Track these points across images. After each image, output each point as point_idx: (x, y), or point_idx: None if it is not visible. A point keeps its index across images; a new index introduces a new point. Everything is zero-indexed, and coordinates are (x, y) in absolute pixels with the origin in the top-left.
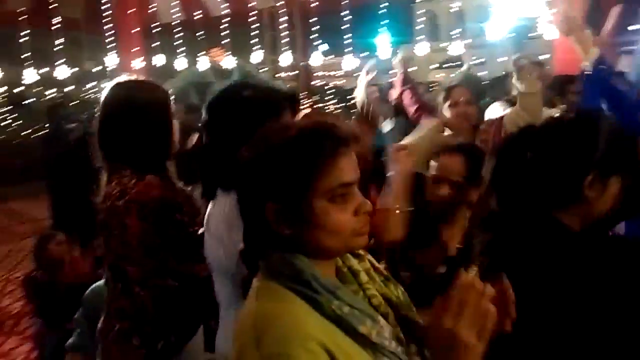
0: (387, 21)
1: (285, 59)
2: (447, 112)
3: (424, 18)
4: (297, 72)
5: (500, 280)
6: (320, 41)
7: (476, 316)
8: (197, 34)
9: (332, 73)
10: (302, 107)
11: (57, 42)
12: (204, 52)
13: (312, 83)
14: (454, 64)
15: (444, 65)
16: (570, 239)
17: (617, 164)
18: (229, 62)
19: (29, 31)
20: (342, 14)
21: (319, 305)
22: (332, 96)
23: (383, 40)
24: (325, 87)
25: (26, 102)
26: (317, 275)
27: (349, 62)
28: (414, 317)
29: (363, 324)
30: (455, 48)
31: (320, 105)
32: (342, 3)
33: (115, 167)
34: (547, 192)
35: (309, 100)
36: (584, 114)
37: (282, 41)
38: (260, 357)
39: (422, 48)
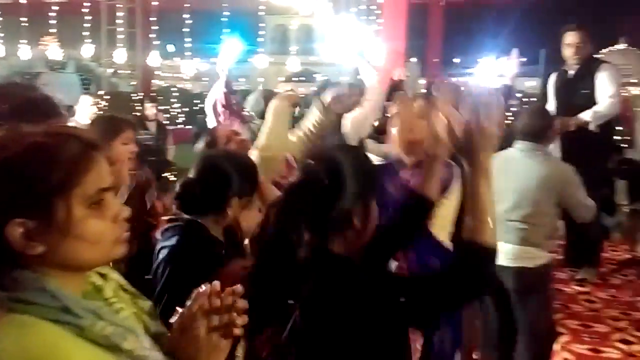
0: (233, 29)
1: (122, 55)
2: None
3: (274, 30)
4: (135, 71)
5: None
6: (160, 42)
7: (221, 323)
8: (22, 20)
9: (178, 75)
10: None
11: None
12: (33, 40)
13: (158, 83)
14: (302, 78)
15: (293, 79)
16: (348, 268)
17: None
18: (56, 52)
19: None
20: (186, 16)
21: (82, 330)
22: (176, 99)
23: (229, 47)
24: (171, 89)
25: None
26: (75, 298)
27: (191, 65)
28: (162, 331)
29: (126, 340)
30: (294, 63)
31: (165, 107)
32: (185, 5)
33: None
34: (322, 220)
35: (152, 103)
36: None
37: (120, 37)
38: None
39: (263, 60)
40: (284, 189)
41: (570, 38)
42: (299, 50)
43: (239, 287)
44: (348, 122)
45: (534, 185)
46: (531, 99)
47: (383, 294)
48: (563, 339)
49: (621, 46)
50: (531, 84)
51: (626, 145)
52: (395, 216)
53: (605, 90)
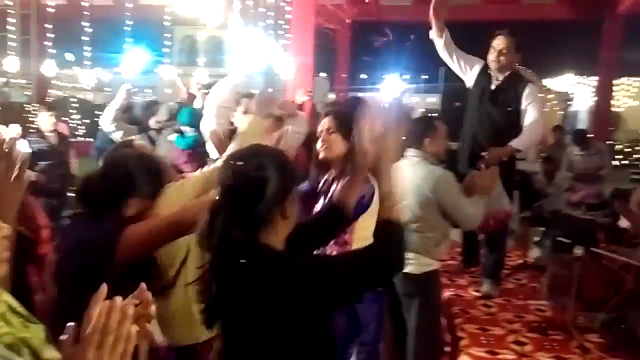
0: (138, 39)
1: (14, 64)
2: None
3: (182, 41)
4: (30, 80)
5: (143, 292)
6: (57, 50)
7: (117, 341)
8: None
9: (78, 85)
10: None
11: None
12: None
13: (56, 93)
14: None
15: (202, 91)
16: (278, 260)
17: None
18: None
19: None
20: (86, 24)
21: None
22: (76, 110)
23: (133, 58)
24: (70, 100)
25: None
26: None
27: (92, 74)
28: (55, 357)
29: None
30: (202, 75)
31: (64, 118)
32: (85, 13)
33: None
34: (254, 214)
35: (50, 112)
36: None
37: (12, 44)
38: None
39: (170, 71)
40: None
41: (497, 42)
42: (207, 62)
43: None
44: None
45: (414, 191)
46: (432, 114)
47: (315, 278)
48: (463, 342)
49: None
50: (432, 100)
51: (518, 158)
52: (312, 221)
53: (533, 115)
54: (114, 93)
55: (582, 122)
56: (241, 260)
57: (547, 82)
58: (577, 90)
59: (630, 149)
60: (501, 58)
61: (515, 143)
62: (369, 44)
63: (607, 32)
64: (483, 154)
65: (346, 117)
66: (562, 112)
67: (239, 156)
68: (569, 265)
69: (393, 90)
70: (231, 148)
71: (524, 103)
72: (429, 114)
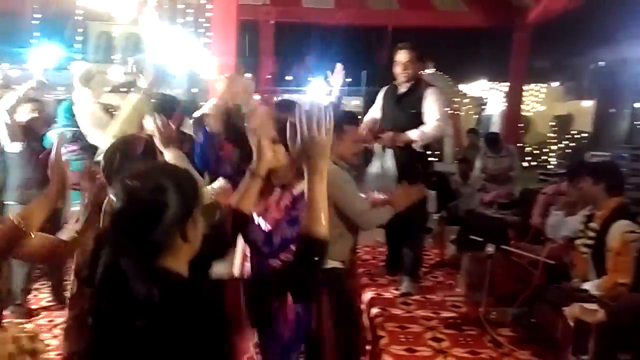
0: (48, 33)
1: None
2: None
3: (97, 37)
4: None
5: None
6: None
7: None
8: None
9: None
10: None
11: None
12: None
13: None
14: (127, 88)
15: (121, 89)
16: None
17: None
18: None
19: None
20: None
21: None
22: None
23: (42, 53)
24: None
25: None
26: None
27: None
28: None
29: None
30: (117, 72)
31: None
32: None
33: None
34: (150, 239)
35: None
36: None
37: None
38: None
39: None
40: (109, 214)
41: (401, 56)
42: (124, 59)
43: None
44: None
45: None
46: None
47: (215, 304)
48: (383, 341)
49: (430, 71)
50: (355, 102)
51: (436, 159)
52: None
53: (432, 113)
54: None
55: (495, 126)
56: (133, 291)
57: (463, 87)
58: (491, 95)
59: (538, 151)
60: (405, 70)
61: (411, 133)
62: (294, 46)
63: (517, 41)
64: (380, 135)
65: (283, 124)
66: (477, 116)
67: (135, 175)
68: (481, 263)
69: (321, 93)
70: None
71: (425, 105)
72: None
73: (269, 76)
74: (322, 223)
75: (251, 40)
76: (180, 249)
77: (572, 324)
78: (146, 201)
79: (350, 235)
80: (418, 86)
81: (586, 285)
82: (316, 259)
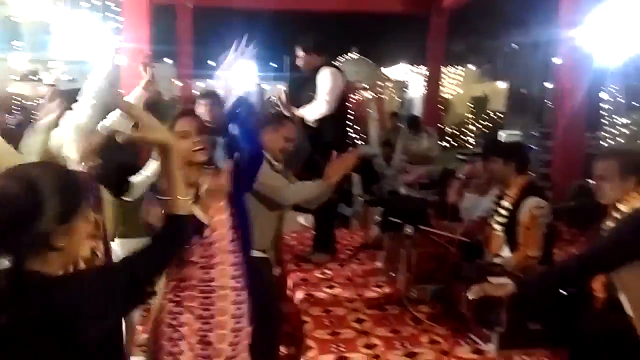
0: None
1: None
2: None
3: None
4: None
5: None
6: None
7: None
8: None
9: None
10: None
11: None
12: None
13: None
14: (35, 77)
15: (29, 77)
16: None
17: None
18: None
19: None
20: None
21: None
22: None
23: None
24: None
25: None
26: None
27: None
28: None
29: None
30: (20, 60)
31: None
32: None
33: None
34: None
35: None
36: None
37: None
38: None
39: None
40: None
41: (298, 51)
42: (29, 46)
43: None
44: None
45: None
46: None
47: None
48: (307, 326)
49: (354, 55)
50: (280, 87)
51: (362, 143)
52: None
53: (320, 91)
54: None
55: (417, 108)
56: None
57: (386, 70)
58: (411, 78)
59: (457, 132)
60: (303, 62)
61: (301, 109)
62: (215, 31)
63: (434, 25)
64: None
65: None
66: (400, 100)
67: (4, 175)
68: (401, 243)
69: (244, 79)
70: None
71: (317, 84)
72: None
73: (188, 61)
74: (182, 201)
75: (170, 25)
76: (52, 256)
77: (473, 299)
78: (12, 203)
79: (271, 224)
80: (315, 70)
81: (499, 260)
82: (179, 234)
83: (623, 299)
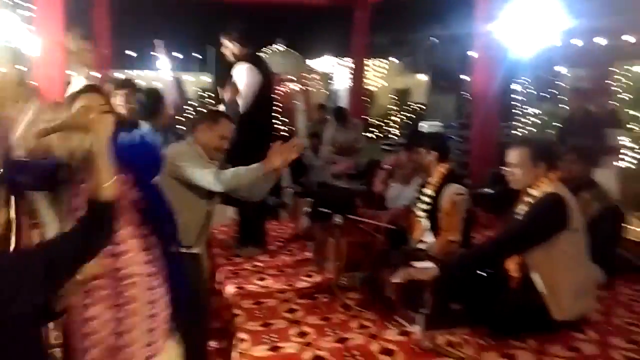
0: None
1: None
2: None
3: None
4: None
5: None
6: None
7: None
8: None
9: None
10: None
11: None
12: None
13: None
14: None
15: None
16: None
17: None
18: None
19: None
20: None
21: None
22: None
23: None
24: None
25: None
26: None
27: None
28: None
29: None
30: None
31: None
32: None
33: None
34: None
35: None
36: None
37: None
38: None
39: None
40: None
41: (223, 41)
42: None
43: None
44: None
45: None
46: (206, 92)
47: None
48: (239, 320)
49: (280, 47)
50: (205, 78)
51: (288, 135)
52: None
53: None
54: None
55: (343, 100)
56: None
57: (312, 62)
58: (337, 70)
59: (382, 123)
60: (229, 54)
61: (220, 106)
62: (134, 21)
63: (358, 18)
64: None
65: None
66: (326, 92)
67: None
68: (331, 232)
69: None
70: None
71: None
72: (203, 92)
73: (107, 51)
74: (107, 186)
75: (86, 14)
76: None
77: (399, 283)
78: None
79: (196, 219)
80: (234, 67)
81: (423, 246)
82: (103, 220)
83: (536, 278)
